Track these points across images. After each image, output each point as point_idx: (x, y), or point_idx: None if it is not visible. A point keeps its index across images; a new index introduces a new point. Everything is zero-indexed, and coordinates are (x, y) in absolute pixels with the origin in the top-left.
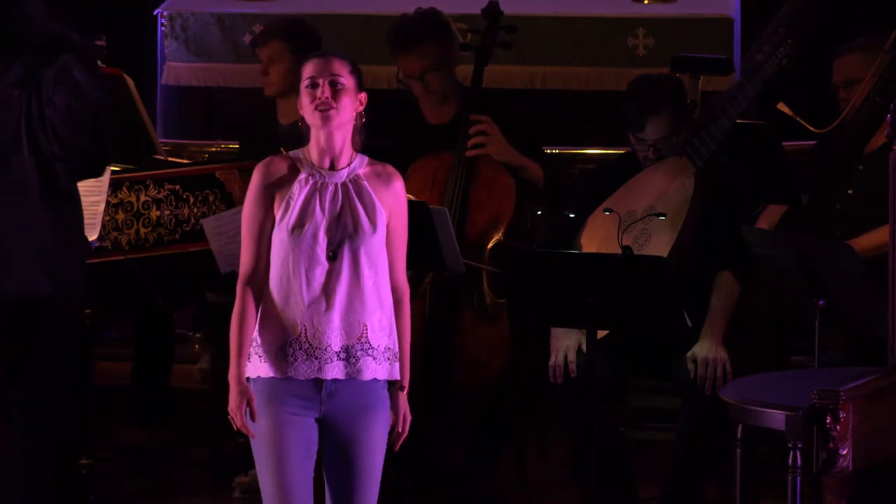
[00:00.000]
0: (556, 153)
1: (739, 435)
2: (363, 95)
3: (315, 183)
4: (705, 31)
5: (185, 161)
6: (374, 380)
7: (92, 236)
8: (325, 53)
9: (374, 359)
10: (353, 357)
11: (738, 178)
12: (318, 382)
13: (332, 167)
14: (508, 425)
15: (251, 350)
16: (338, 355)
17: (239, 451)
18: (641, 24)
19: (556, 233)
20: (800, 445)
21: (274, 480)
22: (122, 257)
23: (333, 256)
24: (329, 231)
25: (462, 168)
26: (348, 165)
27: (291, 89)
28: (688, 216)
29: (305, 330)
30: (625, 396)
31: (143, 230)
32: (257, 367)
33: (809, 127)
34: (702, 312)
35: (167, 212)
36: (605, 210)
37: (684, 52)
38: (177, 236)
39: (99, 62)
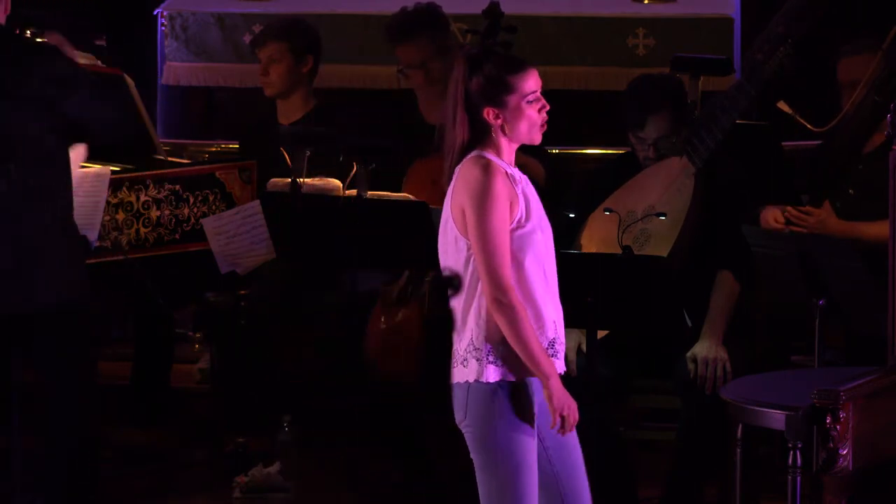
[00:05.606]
0: (556, 153)
1: (739, 435)
2: None
3: (521, 183)
4: (705, 31)
5: (185, 161)
6: None
7: (92, 236)
8: (529, 63)
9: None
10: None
11: (737, 178)
12: None
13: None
14: None
15: (505, 354)
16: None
17: (239, 452)
18: (641, 24)
19: (556, 233)
20: (800, 445)
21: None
22: (122, 257)
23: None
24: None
25: None
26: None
27: (291, 89)
28: (688, 216)
29: (556, 326)
30: (625, 396)
31: (143, 230)
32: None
33: (809, 126)
34: (702, 312)
35: (167, 212)
36: (606, 210)
37: (684, 52)
38: (177, 236)
39: (99, 62)
